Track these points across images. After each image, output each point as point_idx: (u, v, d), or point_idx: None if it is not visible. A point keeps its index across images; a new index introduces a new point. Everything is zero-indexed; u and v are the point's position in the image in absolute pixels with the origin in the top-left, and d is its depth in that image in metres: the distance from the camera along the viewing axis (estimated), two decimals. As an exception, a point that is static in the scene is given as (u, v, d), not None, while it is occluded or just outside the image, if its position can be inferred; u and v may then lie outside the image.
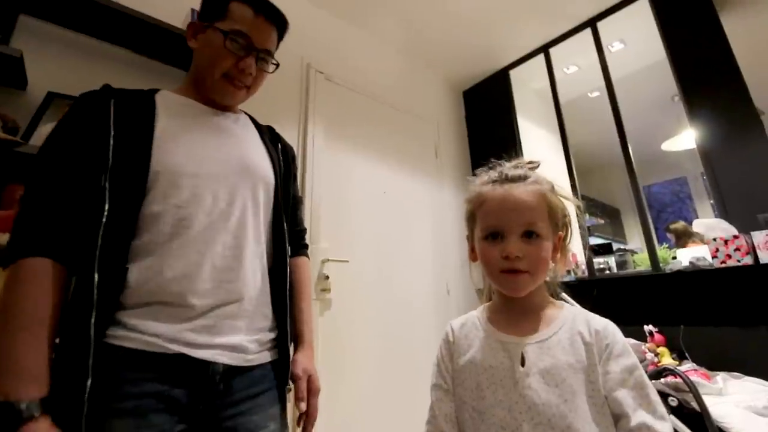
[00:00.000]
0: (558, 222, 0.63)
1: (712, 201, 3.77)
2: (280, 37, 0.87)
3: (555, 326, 0.61)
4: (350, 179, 1.91)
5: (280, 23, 0.84)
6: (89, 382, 0.54)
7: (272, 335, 0.75)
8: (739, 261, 1.51)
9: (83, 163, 0.64)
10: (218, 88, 0.80)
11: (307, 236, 0.99)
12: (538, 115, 2.77)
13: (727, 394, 1.30)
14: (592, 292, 1.62)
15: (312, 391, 0.78)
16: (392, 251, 1.96)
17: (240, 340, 0.68)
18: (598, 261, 2.20)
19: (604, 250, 2.29)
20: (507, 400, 0.56)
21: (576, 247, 2.15)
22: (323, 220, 1.70)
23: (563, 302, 0.66)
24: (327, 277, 1.62)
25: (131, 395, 0.57)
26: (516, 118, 2.59)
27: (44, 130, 1.17)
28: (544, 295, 0.65)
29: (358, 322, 1.74)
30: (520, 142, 2.53)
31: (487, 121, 2.76)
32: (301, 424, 0.77)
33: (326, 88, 1.95)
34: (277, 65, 0.86)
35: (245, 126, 0.88)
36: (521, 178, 0.63)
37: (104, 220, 0.61)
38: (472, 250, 0.68)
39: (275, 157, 0.87)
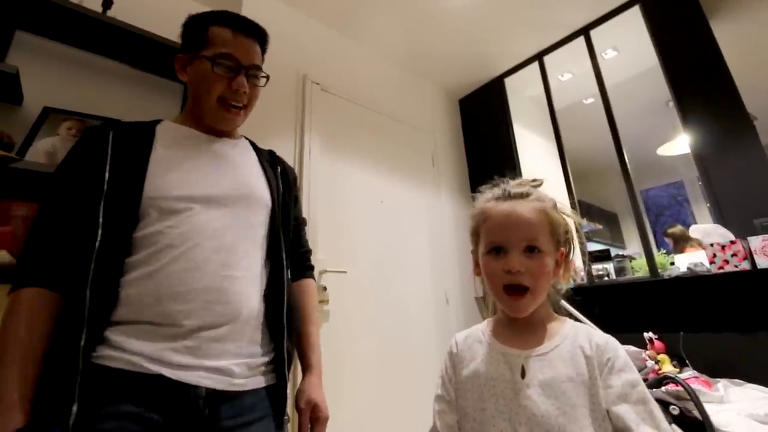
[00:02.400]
0: (560, 238, 0.65)
1: (709, 205, 3.80)
2: (264, 49, 0.88)
3: (556, 340, 0.62)
4: (347, 189, 1.91)
5: (259, 36, 0.86)
6: (75, 407, 0.55)
7: (266, 359, 0.73)
8: (736, 266, 1.50)
9: (80, 193, 0.68)
10: (215, 114, 0.81)
11: (313, 257, 1.01)
12: (534, 122, 2.78)
13: (729, 402, 1.29)
14: (593, 309, 1.62)
15: (318, 420, 0.78)
16: (390, 261, 1.95)
17: (226, 363, 0.66)
18: (597, 267, 2.20)
19: (603, 256, 2.29)
20: (507, 411, 0.58)
21: (575, 254, 2.14)
22: (320, 231, 1.70)
23: (566, 318, 0.68)
24: (325, 288, 1.61)
25: (111, 416, 0.57)
26: (512, 126, 2.60)
27: (40, 145, 1.17)
28: (548, 310, 0.67)
29: (357, 333, 1.73)
30: (516, 149, 2.54)
31: (484, 128, 2.77)
32: None
33: (322, 99, 1.96)
34: (268, 78, 0.87)
35: (244, 151, 0.89)
36: (524, 195, 0.65)
37: (98, 244, 0.64)
38: (476, 264, 0.70)
39: (273, 180, 0.87)
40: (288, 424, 0.75)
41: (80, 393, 0.56)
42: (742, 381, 1.40)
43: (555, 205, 0.67)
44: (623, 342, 1.66)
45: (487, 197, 0.69)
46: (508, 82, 2.70)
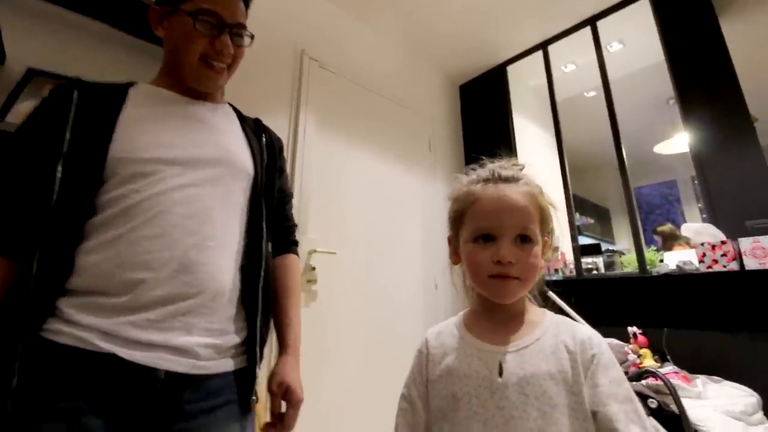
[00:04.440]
0: (547, 227, 0.61)
1: (700, 205, 3.83)
2: (247, 4, 0.82)
3: (537, 333, 0.58)
4: (341, 170, 1.88)
5: None
6: (15, 381, 0.51)
7: (238, 339, 0.68)
8: (725, 266, 1.51)
9: (36, 153, 0.63)
10: (197, 74, 0.75)
11: (297, 232, 0.96)
12: (534, 113, 2.75)
13: (706, 398, 1.31)
14: (570, 298, 1.63)
15: (291, 403, 0.73)
16: (381, 245, 1.94)
17: (192, 342, 0.61)
18: (587, 261, 2.21)
19: (593, 250, 2.30)
20: (483, 413, 0.53)
21: (565, 246, 2.16)
22: (312, 211, 1.68)
23: (544, 309, 0.64)
24: (313, 268, 1.60)
25: (61, 396, 0.53)
26: (511, 115, 2.57)
27: (21, 107, 1.12)
28: (526, 302, 0.62)
29: (344, 315, 1.73)
30: (514, 139, 2.52)
31: (483, 116, 2.74)
32: (270, 431, 0.72)
33: (320, 77, 1.91)
34: (252, 37, 0.81)
35: (226, 116, 0.83)
36: (514, 179, 0.60)
37: (52, 205, 0.59)
38: (454, 252, 0.65)
39: (257, 148, 0.82)
40: (257, 405, 0.72)
41: (21, 368, 0.52)
42: (720, 378, 1.42)
43: (542, 192, 0.62)
44: (607, 335, 1.68)
45: (473, 178, 0.63)
46: (511, 70, 2.66)
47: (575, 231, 2.18)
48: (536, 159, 2.61)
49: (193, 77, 0.76)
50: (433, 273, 2.19)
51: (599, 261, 2.23)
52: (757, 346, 1.49)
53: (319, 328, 1.62)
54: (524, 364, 0.54)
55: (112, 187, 0.63)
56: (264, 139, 0.87)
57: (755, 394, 1.32)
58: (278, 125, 1.66)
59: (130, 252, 0.60)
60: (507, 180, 0.60)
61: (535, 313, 0.62)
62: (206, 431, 0.61)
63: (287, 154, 1.64)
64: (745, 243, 1.48)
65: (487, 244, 0.57)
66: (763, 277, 1.47)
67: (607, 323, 1.76)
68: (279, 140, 0.94)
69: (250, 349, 0.69)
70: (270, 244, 0.80)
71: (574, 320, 1.74)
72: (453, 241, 0.65)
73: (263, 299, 0.73)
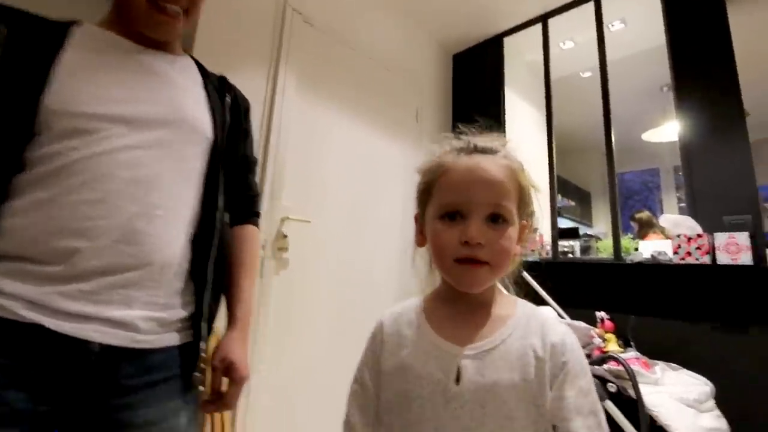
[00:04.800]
0: (526, 208, 0.54)
1: (679, 195, 3.91)
2: None
3: (503, 332, 0.51)
4: (321, 135, 1.78)
5: None
6: None
7: (184, 314, 0.65)
8: (698, 259, 1.53)
9: None
10: (146, 17, 0.66)
11: (262, 202, 0.90)
12: (526, 89, 2.67)
13: (663, 384, 1.35)
14: (546, 281, 1.64)
15: (233, 380, 0.69)
16: (359, 216, 1.88)
17: (132, 316, 0.57)
18: (563, 244, 2.22)
19: (571, 234, 2.31)
20: (435, 420, 0.48)
21: (544, 227, 2.15)
22: (287, 176, 1.59)
23: (516, 297, 0.58)
24: (285, 236, 1.54)
25: None
26: (504, 90, 2.49)
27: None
28: (496, 291, 0.56)
29: (315, 285, 1.69)
30: (504, 115, 2.45)
31: (474, 88, 2.64)
32: (208, 407, 0.69)
33: (304, 32, 1.77)
34: None
35: (185, 70, 0.74)
36: (492, 151, 0.53)
37: None
38: (420, 232, 0.58)
39: (219, 109, 0.74)
40: (202, 383, 0.68)
41: None
42: (678, 366, 1.47)
43: (523, 168, 0.55)
44: (575, 317, 1.71)
45: (446, 149, 0.55)
46: (508, 42, 2.55)
47: (556, 213, 2.17)
48: (524, 136, 2.57)
49: (143, 21, 0.66)
50: (412, 248, 2.15)
51: (576, 245, 2.25)
52: (716, 337, 1.53)
53: (288, 297, 1.58)
54: (485, 371, 0.48)
55: (46, 141, 0.56)
56: (228, 99, 0.78)
57: (709, 383, 1.36)
58: (255, 83, 1.55)
59: (64, 217, 0.54)
60: (483, 151, 0.53)
61: (505, 304, 0.55)
62: (146, 406, 0.58)
63: (263, 114, 1.54)
64: (720, 238, 1.49)
65: (454, 222, 0.50)
66: (732, 272, 1.49)
67: (578, 306, 1.78)
68: (245, 101, 0.86)
69: (196, 324, 0.66)
70: (227, 215, 0.75)
71: (547, 304, 1.78)
72: (420, 219, 0.59)
73: (214, 273, 0.68)
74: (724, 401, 1.32)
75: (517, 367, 0.48)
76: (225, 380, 0.70)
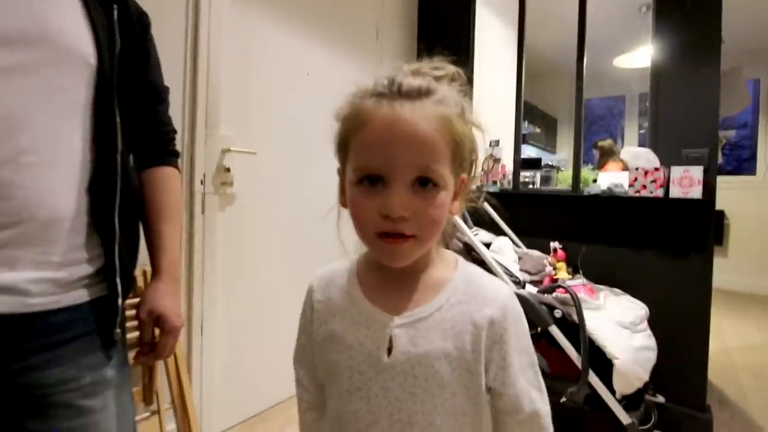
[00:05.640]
0: (463, 162, 0.46)
1: (640, 122, 3.96)
2: None
3: (439, 300, 0.47)
4: (263, 53, 1.54)
5: None
6: None
7: (91, 269, 0.58)
8: (651, 192, 1.55)
9: None
10: None
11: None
12: (499, 3, 2.43)
13: (604, 309, 1.43)
14: (507, 213, 1.64)
15: (164, 332, 0.67)
16: (310, 144, 1.72)
17: (18, 278, 0.50)
18: (525, 174, 2.21)
19: (532, 164, 2.30)
20: (365, 390, 0.46)
21: (507, 157, 2.11)
22: (224, 101, 1.39)
23: (453, 257, 0.52)
24: (228, 170, 1.40)
25: None
26: (474, 5, 2.25)
27: None
28: (432, 250, 0.50)
29: (266, 220, 1.60)
30: (473, 33, 2.24)
31: (441, 3, 2.37)
32: (140, 359, 0.68)
33: None
34: None
35: None
36: (421, 93, 0.42)
37: None
38: (343, 191, 0.48)
39: (103, 26, 0.59)
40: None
41: None
42: (621, 291, 1.56)
43: (463, 112, 0.45)
44: (531, 246, 1.74)
45: (367, 89, 0.44)
46: (482, -56, 2.24)
47: (520, 142, 2.11)
48: (493, 58, 2.40)
49: None
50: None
51: (537, 175, 2.24)
52: (658, 263, 1.63)
53: (237, 233, 1.49)
54: (417, 340, 0.45)
55: None
56: (116, 12, 0.62)
57: (645, 306, 1.46)
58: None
59: None
60: (410, 95, 0.41)
61: (443, 266, 0.50)
62: (56, 365, 0.54)
63: (186, 28, 1.28)
64: (676, 171, 1.50)
65: (374, 188, 0.42)
66: (681, 205, 1.54)
67: (534, 235, 1.83)
68: (143, 15, 0.70)
69: (110, 278, 0.60)
70: (131, 156, 0.65)
71: (505, 234, 1.80)
72: (342, 176, 0.49)
73: (121, 222, 0.61)
74: (658, 321, 1.43)
75: (450, 336, 0.45)
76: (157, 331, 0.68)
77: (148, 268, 0.95)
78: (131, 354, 0.70)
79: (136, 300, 0.71)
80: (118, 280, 0.60)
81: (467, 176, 0.47)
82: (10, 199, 0.48)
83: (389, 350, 0.45)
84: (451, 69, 0.46)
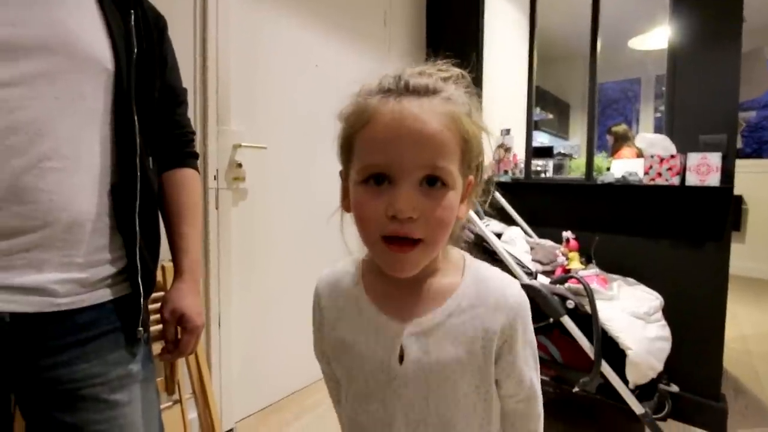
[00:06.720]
0: (472, 163, 0.44)
1: (656, 105, 3.84)
2: None
3: (449, 305, 0.46)
4: (271, 46, 1.53)
5: None
6: None
7: (113, 270, 0.61)
8: (667, 180, 1.52)
9: None
10: None
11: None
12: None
13: (618, 300, 1.43)
14: (518, 204, 1.61)
15: (186, 330, 0.69)
16: (320, 137, 1.71)
17: (45, 280, 0.52)
18: (537, 162, 2.18)
19: (545, 153, 2.26)
20: (380, 393, 0.47)
21: (518, 145, 2.08)
22: (234, 97, 1.39)
23: (463, 257, 0.51)
24: (240, 165, 1.41)
25: None
26: (484, -12, 2.20)
27: None
28: (439, 254, 0.48)
29: (276, 215, 1.61)
30: (483, 18, 2.19)
31: (452, -15, 2.32)
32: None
33: None
34: None
35: None
36: (428, 91, 0.41)
37: None
38: (346, 194, 0.46)
39: (120, 30, 0.60)
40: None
41: None
42: (635, 281, 1.55)
43: (471, 112, 0.43)
44: (544, 236, 1.73)
45: (371, 88, 0.43)
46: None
47: (531, 130, 2.08)
48: (504, 42, 2.35)
49: None
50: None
51: (549, 164, 2.21)
52: (673, 253, 1.60)
53: (250, 227, 1.51)
54: (429, 347, 0.45)
55: None
56: (133, 17, 0.62)
57: (660, 297, 1.45)
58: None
59: None
60: (417, 92, 0.40)
61: (451, 270, 0.49)
62: (84, 361, 0.57)
63: (195, 25, 1.27)
64: (693, 158, 1.46)
65: (380, 188, 0.40)
66: (697, 193, 1.50)
67: (546, 225, 1.81)
68: (160, 17, 0.71)
69: (132, 278, 0.62)
70: (150, 159, 0.66)
71: (517, 224, 1.79)
72: (344, 177, 0.48)
73: (142, 224, 0.63)
74: (673, 311, 1.42)
75: (462, 342, 0.45)
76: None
77: (167, 264, 0.98)
78: (155, 347, 0.73)
79: (159, 294, 0.73)
80: (140, 281, 0.62)
81: (474, 178, 0.46)
82: (35, 203, 0.50)
83: (401, 358, 0.45)
84: (456, 70, 0.45)
